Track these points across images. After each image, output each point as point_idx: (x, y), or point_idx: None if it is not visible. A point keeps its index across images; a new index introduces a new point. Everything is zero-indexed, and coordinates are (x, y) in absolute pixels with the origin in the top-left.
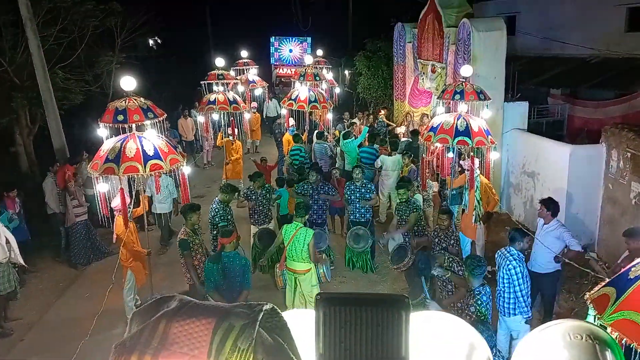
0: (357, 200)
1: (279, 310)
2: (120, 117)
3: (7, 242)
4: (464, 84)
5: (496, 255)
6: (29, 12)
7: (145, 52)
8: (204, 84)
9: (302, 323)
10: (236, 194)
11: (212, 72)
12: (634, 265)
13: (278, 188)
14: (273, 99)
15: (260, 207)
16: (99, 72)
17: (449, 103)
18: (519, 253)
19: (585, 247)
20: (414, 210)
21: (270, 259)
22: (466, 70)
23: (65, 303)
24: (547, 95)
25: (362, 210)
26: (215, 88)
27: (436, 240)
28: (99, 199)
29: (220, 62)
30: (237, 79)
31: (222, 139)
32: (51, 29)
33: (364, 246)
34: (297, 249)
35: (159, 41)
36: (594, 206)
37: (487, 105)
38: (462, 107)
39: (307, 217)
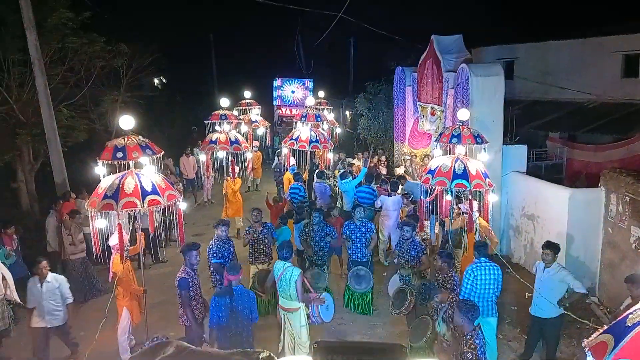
0: (358, 239)
1: (276, 358)
2: (120, 154)
3: (4, 278)
4: (461, 127)
5: (472, 269)
6: (37, 53)
7: (150, 91)
8: (208, 123)
9: None
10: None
11: (216, 111)
12: (631, 313)
13: (282, 225)
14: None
15: (262, 247)
16: (103, 111)
17: (447, 146)
18: None
19: (587, 290)
20: (423, 252)
21: (274, 293)
22: (463, 114)
23: (60, 341)
24: (546, 138)
25: (364, 250)
26: (218, 127)
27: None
28: (93, 237)
29: (225, 102)
30: (240, 118)
31: (228, 179)
32: (58, 68)
33: (366, 287)
34: (284, 287)
35: (164, 80)
36: (595, 250)
37: (484, 149)
38: (460, 149)
39: (290, 258)
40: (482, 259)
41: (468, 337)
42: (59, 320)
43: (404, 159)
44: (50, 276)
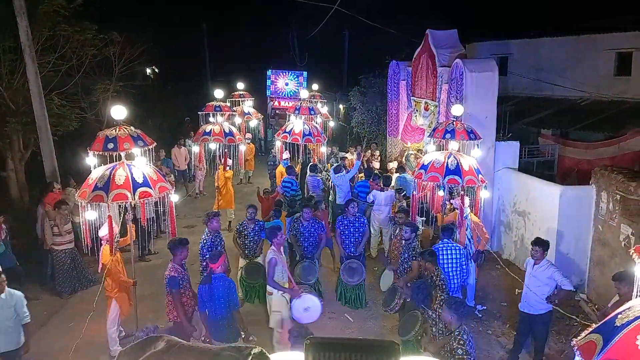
0: (351, 234)
1: (268, 354)
2: (111, 145)
3: None
4: (454, 123)
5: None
6: (28, 40)
7: (142, 80)
8: (200, 114)
9: None
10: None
11: (210, 102)
12: (620, 313)
13: (275, 218)
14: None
15: (249, 242)
16: (95, 100)
17: (440, 141)
18: None
19: (576, 287)
20: (414, 257)
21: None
22: (457, 110)
23: (49, 332)
24: (538, 135)
25: (357, 244)
26: (212, 119)
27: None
28: (83, 227)
29: (219, 93)
30: (233, 110)
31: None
32: (50, 56)
33: (358, 280)
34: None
35: (156, 70)
36: (584, 247)
37: (477, 145)
38: (453, 145)
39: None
40: (445, 240)
41: (456, 333)
42: (12, 344)
43: (407, 155)
44: (7, 292)
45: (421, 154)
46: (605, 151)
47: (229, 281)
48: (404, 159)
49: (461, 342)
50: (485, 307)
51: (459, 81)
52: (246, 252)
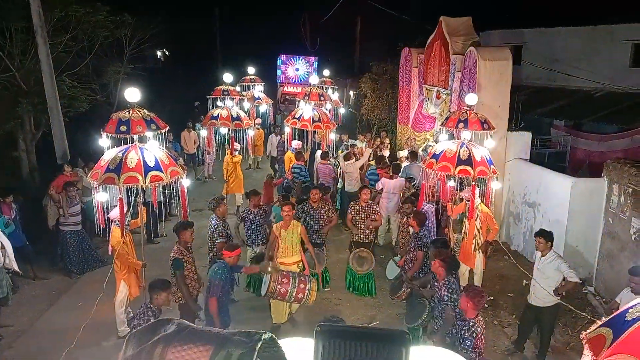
0: (362, 220)
1: (278, 340)
2: (123, 128)
3: (2, 247)
4: (468, 112)
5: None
6: (40, 20)
7: (152, 63)
8: (210, 98)
9: (301, 354)
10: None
11: (218, 87)
12: (631, 307)
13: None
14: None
15: (255, 228)
16: (105, 82)
17: (452, 130)
18: None
19: (583, 280)
20: (420, 247)
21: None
22: (471, 99)
23: (57, 311)
24: (551, 126)
25: (367, 232)
26: (220, 103)
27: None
28: (96, 209)
29: (228, 77)
30: (242, 95)
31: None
32: (61, 37)
33: (368, 268)
34: None
35: (167, 53)
36: (594, 240)
37: (490, 135)
38: (466, 134)
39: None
40: (425, 203)
41: (471, 323)
42: None
43: (426, 145)
44: None
45: (432, 140)
46: (618, 143)
47: (213, 274)
48: (420, 151)
49: (474, 334)
50: (492, 298)
51: (472, 69)
52: (252, 237)
